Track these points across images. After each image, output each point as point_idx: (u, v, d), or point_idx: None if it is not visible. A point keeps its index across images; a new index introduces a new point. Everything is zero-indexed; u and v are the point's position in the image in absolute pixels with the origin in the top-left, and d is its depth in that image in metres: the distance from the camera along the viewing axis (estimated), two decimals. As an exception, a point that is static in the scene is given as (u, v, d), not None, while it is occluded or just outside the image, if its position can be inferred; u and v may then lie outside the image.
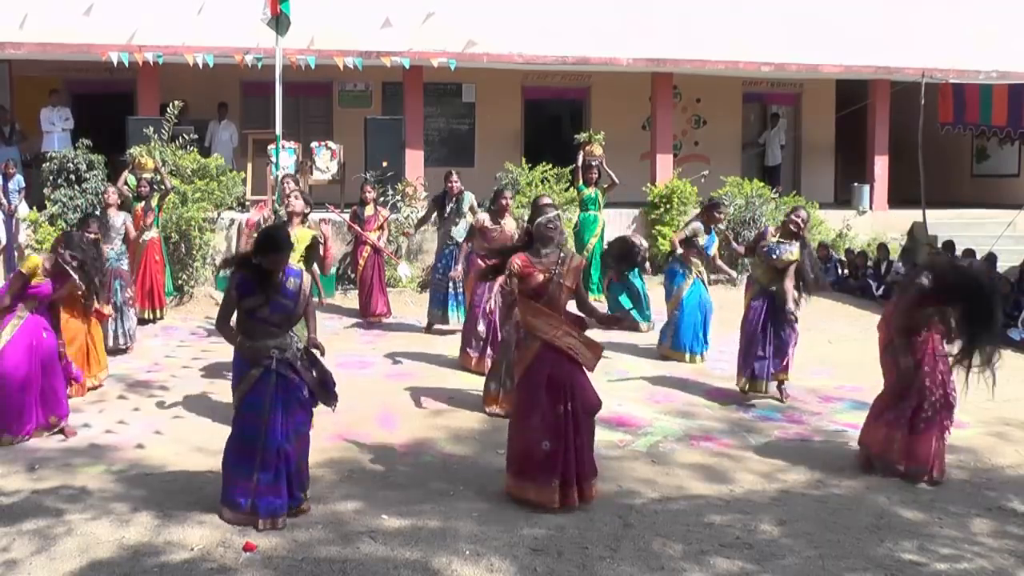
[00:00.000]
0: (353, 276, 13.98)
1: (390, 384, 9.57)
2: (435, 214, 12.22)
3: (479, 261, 9.83)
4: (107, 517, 6.20)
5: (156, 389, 9.49)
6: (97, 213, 9.91)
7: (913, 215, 17.23)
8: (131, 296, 11.19)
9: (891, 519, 6.31)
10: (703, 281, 10.89)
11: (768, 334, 9.00)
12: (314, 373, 6.29)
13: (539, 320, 6.34)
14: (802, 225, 8.94)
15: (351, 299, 13.97)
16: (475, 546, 5.71)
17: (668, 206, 16.72)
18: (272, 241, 6.10)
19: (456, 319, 11.71)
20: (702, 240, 10.69)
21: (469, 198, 11.85)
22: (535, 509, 6.23)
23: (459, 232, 11.58)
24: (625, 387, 9.53)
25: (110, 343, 10.45)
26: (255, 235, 7.26)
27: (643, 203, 17.29)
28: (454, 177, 11.96)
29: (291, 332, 6.30)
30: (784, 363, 9.09)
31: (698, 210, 11.98)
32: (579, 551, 5.67)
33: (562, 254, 6.44)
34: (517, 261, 6.39)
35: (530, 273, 6.34)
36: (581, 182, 14.73)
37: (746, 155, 21.38)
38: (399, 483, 6.82)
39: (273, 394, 6.08)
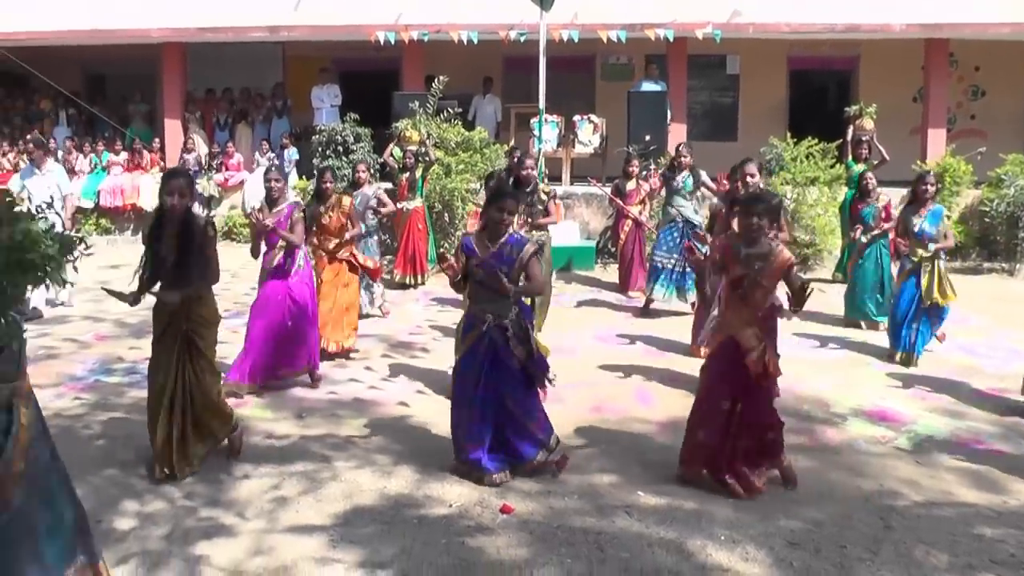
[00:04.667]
0: (614, 250, 13.90)
1: (648, 360, 9.38)
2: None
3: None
4: (370, 467, 6.45)
5: (417, 351, 9.79)
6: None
7: None
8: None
9: None
10: (918, 273, 9.48)
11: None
12: (523, 350, 6.20)
13: (731, 312, 6.11)
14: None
15: (611, 273, 13.89)
16: (730, 532, 5.51)
17: (939, 186, 15.40)
18: (500, 190, 6.57)
19: (663, 295, 11.34)
20: (917, 224, 9.45)
21: (702, 175, 11.39)
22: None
23: (686, 209, 11.27)
24: (888, 380, 8.92)
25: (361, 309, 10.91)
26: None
27: (911, 182, 16.13)
28: (683, 151, 11.56)
29: (516, 303, 6.25)
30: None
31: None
32: (837, 550, 5.34)
33: (767, 249, 6.03)
34: (719, 247, 6.20)
35: (728, 265, 6.10)
36: (850, 158, 13.95)
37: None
38: (655, 460, 6.66)
39: (483, 358, 6.15)
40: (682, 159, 11.37)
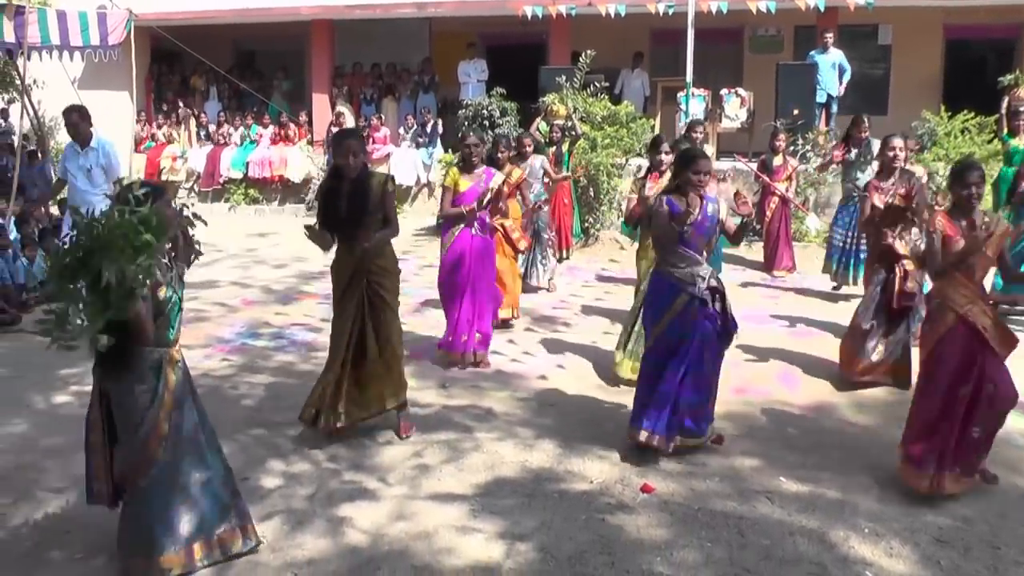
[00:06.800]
0: (759, 227, 13.55)
1: (792, 342, 9.10)
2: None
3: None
4: (512, 439, 6.49)
5: (560, 325, 9.76)
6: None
7: None
8: (550, 239, 11.49)
9: None
10: None
11: None
12: (723, 307, 6.14)
13: (954, 290, 5.72)
14: None
15: (755, 251, 13.55)
16: (874, 525, 5.31)
17: None
18: (691, 154, 6.35)
19: (849, 280, 10.79)
20: None
21: (876, 143, 10.89)
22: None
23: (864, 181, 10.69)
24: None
25: (531, 281, 11.03)
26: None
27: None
28: (864, 124, 11.03)
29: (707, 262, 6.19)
30: None
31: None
32: (990, 551, 5.06)
33: (987, 219, 5.79)
34: (940, 220, 5.80)
35: (952, 237, 5.72)
36: (1006, 131, 13.28)
37: None
38: (798, 446, 6.49)
39: (693, 322, 6.03)
40: (862, 134, 10.86)
